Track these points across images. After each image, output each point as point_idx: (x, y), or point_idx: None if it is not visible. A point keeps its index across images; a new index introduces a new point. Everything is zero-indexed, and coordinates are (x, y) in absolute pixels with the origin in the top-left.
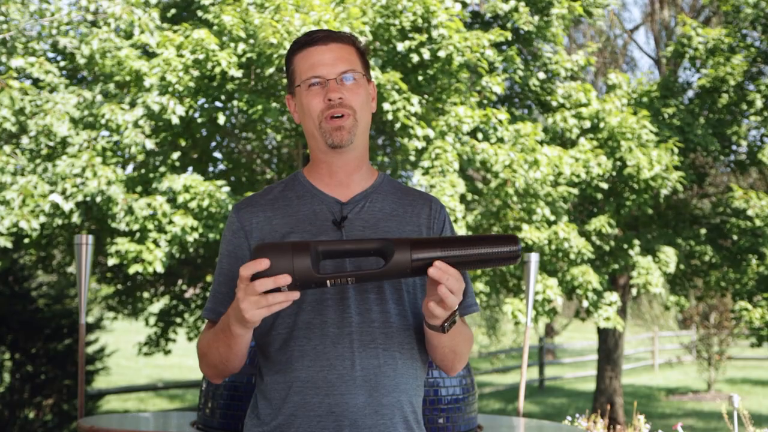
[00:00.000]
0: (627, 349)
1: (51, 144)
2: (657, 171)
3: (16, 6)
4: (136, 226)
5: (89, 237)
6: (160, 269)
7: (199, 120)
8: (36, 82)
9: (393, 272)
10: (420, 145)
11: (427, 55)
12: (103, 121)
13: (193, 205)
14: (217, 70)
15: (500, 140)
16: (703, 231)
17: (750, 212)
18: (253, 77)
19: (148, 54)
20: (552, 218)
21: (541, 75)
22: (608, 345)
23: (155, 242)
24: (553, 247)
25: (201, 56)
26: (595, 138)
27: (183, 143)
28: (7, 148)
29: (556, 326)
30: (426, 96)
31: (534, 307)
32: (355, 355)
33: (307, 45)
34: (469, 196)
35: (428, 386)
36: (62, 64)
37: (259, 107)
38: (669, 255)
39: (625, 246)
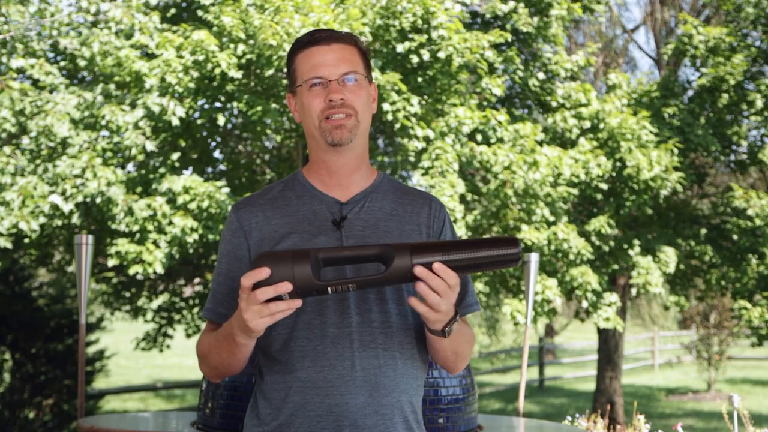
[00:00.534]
0: (627, 349)
1: (51, 144)
2: (657, 171)
3: (17, 7)
4: (135, 227)
5: (89, 237)
6: (160, 270)
7: (199, 121)
8: (36, 82)
9: (394, 278)
10: (420, 145)
11: (426, 56)
12: (103, 122)
13: (192, 206)
14: (217, 71)
15: (500, 140)
16: (703, 231)
17: (750, 212)
18: (252, 78)
19: (147, 55)
20: (551, 219)
21: (541, 75)
22: (608, 345)
23: (155, 243)
24: (553, 247)
25: (201, 57)
26: (594, 138)
27: (183, 144)
28: (7, 149)
29: (556, 326)
30: (426, 97)
31: (533, 307)
32: (355, 356)
33: (309, 44)
34: (469, 196)
35: (428, 386)
36: (62, 64)
37: (259, 108)
38: (669, 255)
39: (625, 246)
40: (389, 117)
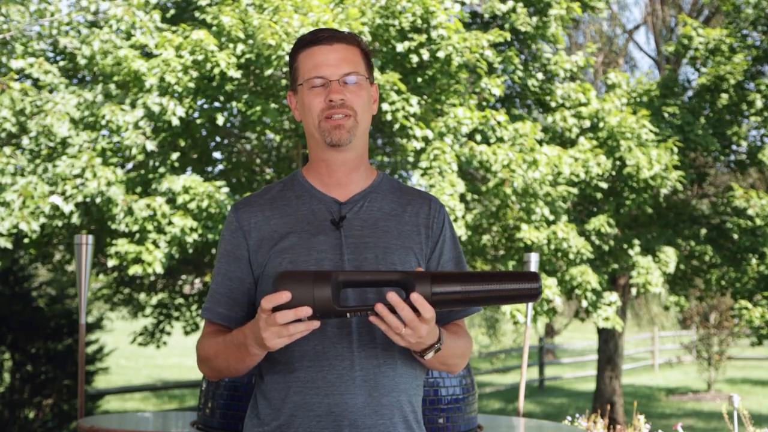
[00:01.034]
0: (627, 349)
1: (51, 144)
2: (656, 170)
3: (17, 6)
4: (135, 227)
5: (89, 237)
6: (159, 270)
7: (198, 121)
8: (36, 82)
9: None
10: (419, 145)
11: (426, 55)
12: (103, 122)
13: (192, 205)
14: (216, 70)
15: (500, 140)
16: (703, 231)
17: (750, 211)
18: (252, 78)
19: (147, 55)
20: (551, 218)
21: (540, 76)
22: (608, 345)
23: (155, 243)
24: (552, 246)
25: (200, 57)
26: (594, 137)
27: (182, 144)
28: (8, 149)
29: (556, 326)
30: (425, 97)
31: (533, 307)
32: (355, 356)
33: (311, 44)
34: (469, 196)
35: (428, 386)
36: (62, 64)
37: (258, 108)
38: (669, 255)
39: (625, 246)
40: (388, 117)
